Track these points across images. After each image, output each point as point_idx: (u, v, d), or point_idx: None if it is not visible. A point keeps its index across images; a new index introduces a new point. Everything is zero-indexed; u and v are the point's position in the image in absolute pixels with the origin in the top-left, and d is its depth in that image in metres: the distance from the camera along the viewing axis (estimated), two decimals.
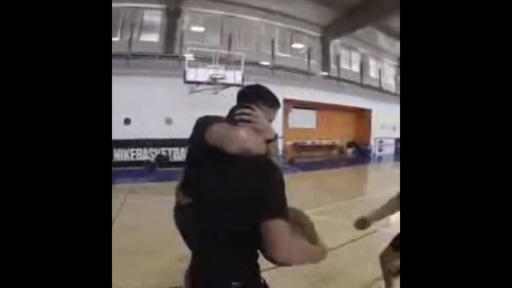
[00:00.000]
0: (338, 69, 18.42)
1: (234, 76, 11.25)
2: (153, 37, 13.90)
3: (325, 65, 18.29)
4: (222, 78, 11.04)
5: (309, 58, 16.73)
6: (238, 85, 11.19)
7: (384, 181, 9.37)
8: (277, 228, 1.06)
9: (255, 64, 14.14)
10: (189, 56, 11.27)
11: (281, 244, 1.05)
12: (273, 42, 15.48)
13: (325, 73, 17.40)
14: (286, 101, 13.74)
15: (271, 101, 1.45)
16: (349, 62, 20.14)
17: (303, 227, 1.28)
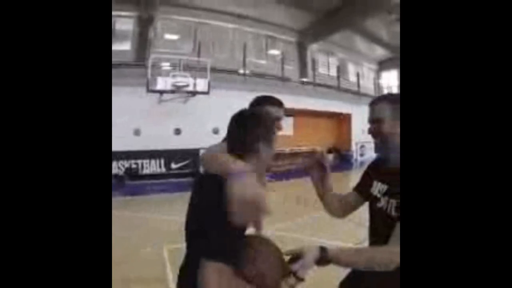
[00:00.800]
0: (315, 74, 18.24)
1: (204, 83, 10.84)
2: (124, 46, 13.48)
3: (303, 71, 18.11)
4: (185, 86, 10.56)
5: (282, 63, 16.46)
6: (204, 93, 10.83)
7: None
8: (207, 271, 1.02)
9: (230, 71, 13.82)
10: (164, 65, 10.93)
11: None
12: (244, 47, 15.10)
13: (304, 79, 17.20)
14: None
15: (275, 101, 1.65)
16: (327, 66, 20.03)
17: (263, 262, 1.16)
